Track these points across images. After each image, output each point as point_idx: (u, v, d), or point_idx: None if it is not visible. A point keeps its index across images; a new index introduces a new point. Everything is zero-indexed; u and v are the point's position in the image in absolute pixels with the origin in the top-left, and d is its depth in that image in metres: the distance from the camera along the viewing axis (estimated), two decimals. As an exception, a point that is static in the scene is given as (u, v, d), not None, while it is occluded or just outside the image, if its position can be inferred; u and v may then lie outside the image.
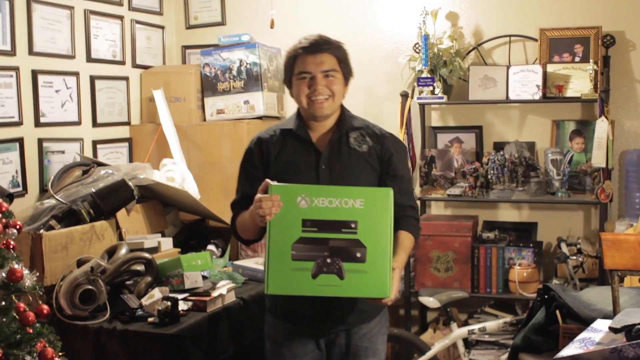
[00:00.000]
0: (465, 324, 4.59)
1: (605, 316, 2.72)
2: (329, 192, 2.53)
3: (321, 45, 2.78)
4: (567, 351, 2.30)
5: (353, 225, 2.51)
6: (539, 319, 3.06)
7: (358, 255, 2.51)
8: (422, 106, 4.73)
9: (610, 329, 2.33)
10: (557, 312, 2.98)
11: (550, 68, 4.45)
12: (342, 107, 2.89)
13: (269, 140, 2.87)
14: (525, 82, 4.45)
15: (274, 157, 2.84)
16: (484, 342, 4.50)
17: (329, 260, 2.50)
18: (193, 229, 4.57)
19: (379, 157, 2.82)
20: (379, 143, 2.83)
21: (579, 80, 4.39)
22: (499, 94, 4.53)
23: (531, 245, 4.52)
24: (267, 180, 2.59)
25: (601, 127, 4.16)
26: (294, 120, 2.87)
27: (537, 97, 4.41)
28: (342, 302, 2.69)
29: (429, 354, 4.31)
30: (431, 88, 4.56)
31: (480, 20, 4.74)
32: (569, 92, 4.41)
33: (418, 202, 4.68)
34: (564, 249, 4.20)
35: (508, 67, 4.54)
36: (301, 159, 2.82)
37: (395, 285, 2.57)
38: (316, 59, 2.76)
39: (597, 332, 2.42)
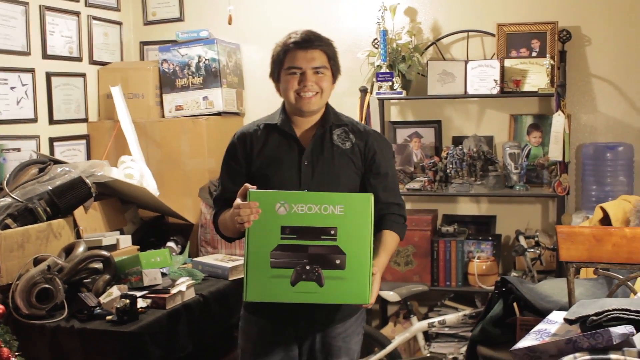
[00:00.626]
0: (426, 317, 4.61)
1: (561, 308, 2.76)
2: (309, 199, 2.49)
3: (313, 42, 2.75)
4: (523, 343, 2.32)
5: (332, 232, 2.48)
6: (497, 312, 3.11)
7: (337, 262, 2.48)
8: (381, 101, 4.74)
9: (566, 320, 2.35)
10: (515, 304, 3.03)
11: (508, 63, 4.49)
12: (327, 104, 2.87)
13: (253, 135, 2.84)
14: (483, 77, 4.48)
15: (257, 151, 2.81)
16: (444, 335, 4.53)
17: (308, 268, 2.48)
18: (152, 226, 4.54)
19: (362, 154, 2.80)
20: (363, 140, 2.81)
21: (536, 75, 4.43)
22: (457, 89, 4.56)
23: (490, 238, 4.56)
24: (247, 185, 2.56)
25: (558, 121, 4.21)
26: (278, 115, 2.84)
27: (495, 91, 4.45)
28: (319, 303, 2.64)
29: (390, 347, 4.34)
30: (390, 83, 4.57)
31: (439, 16, 4.76)
32: (526, 87, 4.45)
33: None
34: (522, 241, 4.25)
35: (466, 62, 4.57)
36: (284, 154, 2.79)
37: (375, 289, 2.55)
38: (307, 55, 2.73)
39: (553, 324, 2.44)
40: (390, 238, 2.77)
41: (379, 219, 2.68)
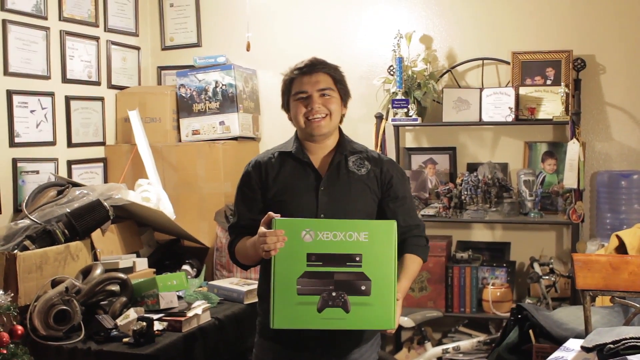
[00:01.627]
0: (439, 343, 4.61)
1: (578, 335, 2.77)
2: (333, 226, 2.52)
3: (316, 65, 2.81)
4: (540, 370, 2.34)
5: (357, 259, 2.51)
6: (513, 338, 3.11)
7: (363, 288, 2.51)
8: (396, 127, 4.77)
9: (583, 348, 2.36)
10: (530, 331, 3.03)
11: (523, 91, 4.51)
12: (341, 132, 2.90)
13: (267, 163, 2.86)
14: (498, 105, 4.51)
15: (273, 179, 2.83)
16: (458, 362, 4.54)
17: (334, 294, 2.50)
18: (168, 249, 4.57)
19: (378, 181, 2.81)
20: (378, 166, 2.83)
21: (551, 103, 4.45)
22: (472, 116, 4.58)
23: (504, 265, 4.56)
24: (271, 213, 2.58)
25: (573, 148, 4.22)
26: (292, 143, 2.86)
27: (510, 119, 4.47)
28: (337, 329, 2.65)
29: (404, 373, 4.34)
30: (405, 110, 4.60)
31: (454, 44, 4.80)
32: (541, 115, 4.47)
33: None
34: (537, 268, 4.25)
35: (481, 89, 4.59)
36: (300, 181, 2.81)
37: (398, 314, 2.57)
38: (312, 79, 2.78)
39: (570, 352, 2.45)
40: (411, 262, 2.78)
41: (400, 243, 2.70)
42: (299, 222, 2.55)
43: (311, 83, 2.78)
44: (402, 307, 2.68)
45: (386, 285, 2.51)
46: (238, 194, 2.92)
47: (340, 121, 2.87)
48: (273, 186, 2.82)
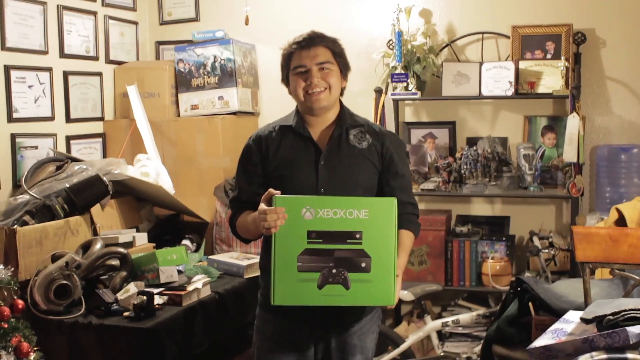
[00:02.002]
0: (439, 316, 4.63)
1: (577, 308, 2.77)
2: (334, 203, 2.54)
3: (314, 39, 2.80)
4: (539, 342, 2.34)
5: (358, 236, 2.53)
6: (512, 311, 3.12)
7: (363, 265, 2.53)
8: (395, 102, 4.76)
9: (582, 319, 2.37)
10: (530, 304, 3.04)
11: (522, 65, 4.50)
12: (342, 105, 2.89)
13: (268, 137, 2.86)
14: (497, 79, 4.49)
15: (273, 153, 2.83)
16: (457, 334, 4.54)
17: (334, 271, 2.53)
18: (167, 224, 4.58)
19: (379, 154, 2.82)
20: (379, 141, 2.83)
21: (551, 77, 4.43)
22: (471, 90, 4.57)
23: (504, 238, 4.56)
24: (271, 190, 2.59)
25: (572, 122, 4.22)
26: (292, 117, 2.86)
27: (510, 93, 4.46)
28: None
29: (403, 346, 4.35)
30: (405, 84, 4.58)
31: (453, 18, 4.77)
32: (541, 89, 4.46)
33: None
34: (536, 242, 4.25)
35: (481, 63, 4.57)
36: (300, 155, 2.81)
37: (397, 290, 2.60)
38: (310, 53, 2.77)
39: (569, 323, 2.46)
40: (407, 238, 2.81)
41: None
42: (299, 199, 2.56)
43: (310, 57, 2.77)
44: (401, 281, 2.69)
45: (386, 262, 2.54)
46: (239, 167, 2.93)
47: (341, 94, 2.87)
48: (273, 160, 2.83)
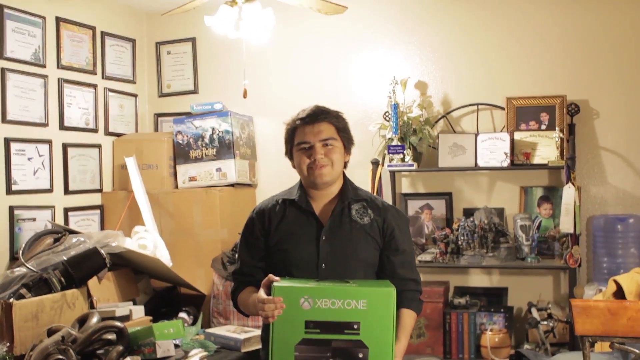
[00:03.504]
0: (438, 390, 4.59)
1: (577, 382, 2.75)
2: (332, 293, 2.52)
3: (318, 115, 2.81)
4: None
5: (356, 327, 2.51)
6: (512, 385, 3.09)
7: (360, 355, 2.52)
8: (392, 173, 4.79)
9: (583, 394, 2.35)
10: (530, 377, 3.01)
11: (518, 136, 4.55)
12: (345, 178, 2.91)
13: (271, 210, 2.88)
14: (493, 150, 4.53)
15: (275, 226, 2.85)
16: (457, 409, 4.50)
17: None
18: (164, 297, 4.55)
19: (380, 230, 2.82)
20: (381, 216, 2.83)
21: (546, 148, 4.48)
22: (467, 161, 4.61)
23: (502, 310, 4.54)
24: (271, 276, 2.61)
25: (568, 193, 4.24)
26: (296, 190, 2.88)
27: (505, 164, 4.49)
28: None
29: (403, 421, 4.29)
30: (401, 155, 4.62)
31: (449, 89, 4.84)
32: (536, 159, 4.50)
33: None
34: (535, 314, 4.23)
35: (476, 134, 4.63)
36: (302, 229, 2.82)
37: None
38: (314, 129, 2.79)
39: (570, 398, 2.44)
40: (409, 317, 2.79)
41: (396, 296, 2.69)
42: (297, 289, 2.55)
43: (313, 133, 2.79)
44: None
45: (384, 353, 2.52)
46: (242, 240, 2.95)
47: (345, 167, 2.89)
48: (275, 234, 2.84)
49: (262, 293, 2.58)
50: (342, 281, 2.62)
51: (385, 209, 2.86)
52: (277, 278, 2.59)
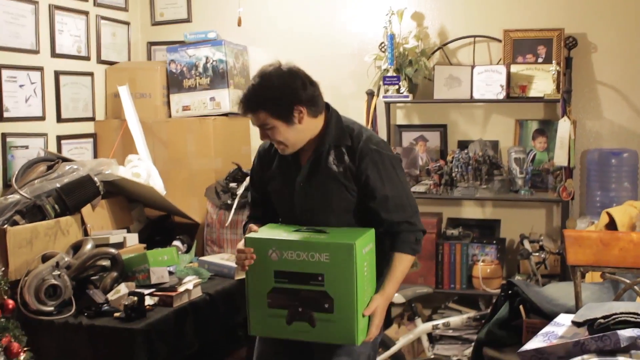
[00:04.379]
0: (429, 319, 4.63)
1: (568, 311, 2.78)
2: (297, 246, 2.62)
3: (246, 108, 2.73)
4: (531, 345, 2.34)
5: (320, 278, 2.61)
6: (503, 314, 3.13)
7: (326, 306, 2.61)
8: (387, 104, 4.77)
9: (573, 322, 2.38)
10: (521, 307, 3.05)
11: (514, 68, 4.51)
12: (328, 119, 2.80)
13: (267, 153, 2.93)
14: (489, 82, 4.50)
15: (267, 169, 2.92)
16: (447, 337, 4.56)
17: (300, 309, 2.64)
18: (158, 225, 4.56)
19: (354, 178, 2.75)
20: (356, 163, 2.74)
21: (542, 81, 4.45)
22: (463, 94, 4.58)
23: (494, 242, 4.57)
24: (252, 225, 2.79)
25: (563, 126, 4.23)
26: None
27: (501, 96, 4.47)
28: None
29: (394, 348, 4.35)
30: (397, 87, 4.59)
31: (446, 21, 4.78)
32: (532, 92, 4.47)
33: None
34: (527, 245, 4.27)
35: (472, 67, 4.59)
36: (284, 175, 2.85)
37: (375, 323, 2.70)
38: (250, 117, 2.75)
39: (560, 326, 2.46)
40: (399, 262, 2.77)
41: (390, 239, 2.77)
42: (265, 241, 2.67)
43: (252, 120, 2.76)
44: (383, 312, 2.73)
45: (348, 304, 2.60)
46: (250, 174, 3.09)
47: (300, 122, 2.71)
48: (267, 175, 2.92)
49: (241, 243, 2.70)
50: (316, 231, 2.70)
51: (363, 155, 2.74)
52: (256, 228, 2.72)
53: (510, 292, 3.15)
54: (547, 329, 2.45)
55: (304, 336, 2.67)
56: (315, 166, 2.78)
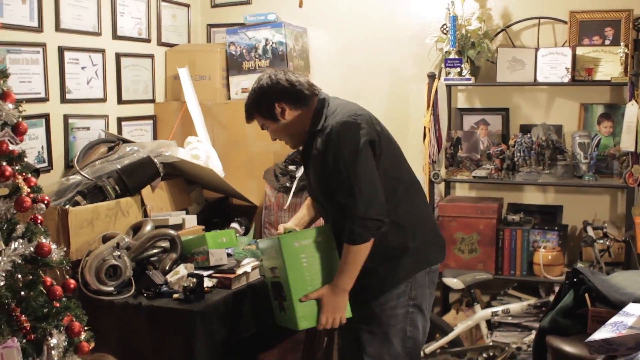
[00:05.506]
0: (488, 305, 4.57)
1: (636, 300, 2.70)
2: (266, 244, 3.19)
3: (246, 117, 3.18)
4: (599, 334, 2.28)
5: (276, 271, 3.09)
6: (567, 302, 3.05)
7: (283, 294, 3.06)
8: (448, 87, 4.69)
9: (644, 312, 2.31)
10: (586, 295, 2.97)
11: (580, 51, 4.39)
12: (315, 110, 3.03)
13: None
14: (554, 65, 4.39)
15: None
16: (506, 324, 4.50)
17: (279, 299, 3.12)
18: (216, 207, 4.57)
19: (322, 161, 2.96)
20: (321, 146, 2.95)
21: (609, 64, 4.33)
22: (526, 77, 4.48)
23: (556, 228, 4.48)
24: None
25: (631, 110, 4.11)
26: None
27: (566, 80, 4.35)
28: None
29: (452, 334, 4.31)
30: (458, 69, 4.51)
31: (509, 2, 4.68)
32: (599, 76, 4.35)
33: (442, 184, 4.68)
34: (590, 232, 4.16)
35: (537, 49, 4.48)
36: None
37: (323, 310, 2.98)
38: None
39: (630, 316, 2.39)
40: (345, 252, 2.95)
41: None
42: (259, 242, 3.40)
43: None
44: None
45: (287, 291, 3.01)
46: None
47: (282, 116, 3.06)
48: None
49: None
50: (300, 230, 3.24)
51: (325, 138, 2.93)
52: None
53: (575, 280, 3.07)
54: (616, 318, 2.38)
55: (286, 323, 3.12)
56: (307, 156, 3.05)
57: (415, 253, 3.02)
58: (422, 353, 4.14)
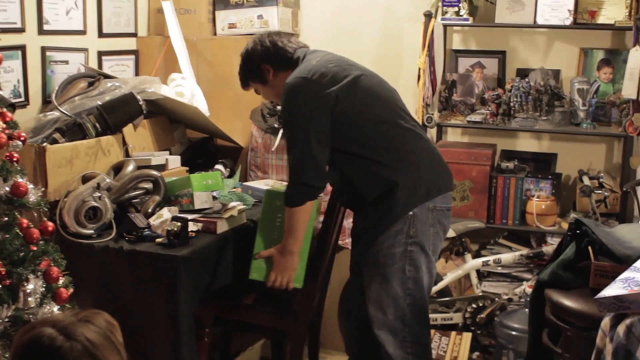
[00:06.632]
0: (478, 254, 4.47)
1: (642, 254, 2.59)
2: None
3: (240, 82, 3.38)
4: (609, 291, 2.17)
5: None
6: (569, 255, 2.94)
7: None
8: (444, 28, 4.51)
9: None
10: (590, 248, 2.86)
11: (583, -8, 4.23)
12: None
13: None
14: (555, 7, 4.21)
15: None
16: (495, 274, 4.41)
17: None
18: (200, 148, 4.42)
19: None
20: None
21: (613, 7, 4.15)
22: (526, 18, 4.30)
23: (550, 176, 4.36)
24: None
25: (635, 56, 3.96)
26: None
27: (568, 22, 4.18)
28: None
29: (441, 284, 4.22)
30: (456, 9, 4.32)
31: (510, -61, 4.48)
32: (601, 19, 4.18)
33: (434, 129, 4.55)
34: (587, 182, 4.05)
35: (538, -11, 4.31)
36: None
37: (273, 268, 3.21)
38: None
39: (641, 272, 2.28)
40: (287, 214, 3.15)
41: None
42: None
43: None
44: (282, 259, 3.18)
45: (254, 243, 3.30)
46: None
47: (267, 77, 3.26)
48: None
49: None
50: None
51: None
52: None
53: (577, 231, 2.96)
54: (627, 274, 2.27)
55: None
56: None
57: (409, 189, 3.00)
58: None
